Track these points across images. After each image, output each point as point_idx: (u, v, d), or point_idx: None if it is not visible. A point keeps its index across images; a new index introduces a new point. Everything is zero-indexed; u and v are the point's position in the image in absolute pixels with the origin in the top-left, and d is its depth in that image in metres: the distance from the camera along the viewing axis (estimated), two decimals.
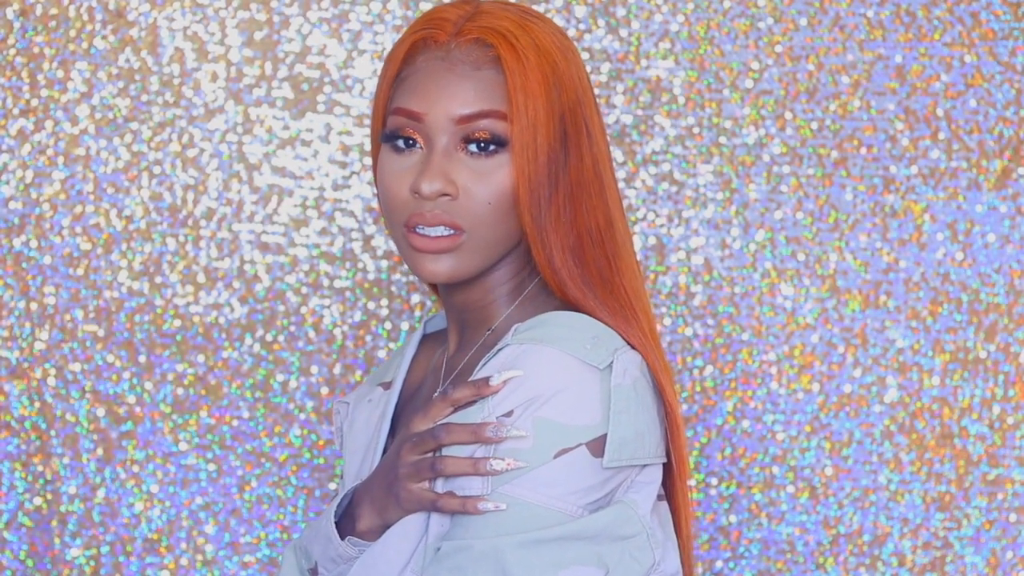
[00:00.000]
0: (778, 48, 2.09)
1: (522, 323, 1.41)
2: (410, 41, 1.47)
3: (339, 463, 2.11)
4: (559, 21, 2.08)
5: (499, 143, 1.42)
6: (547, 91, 1.42)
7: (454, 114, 1.42)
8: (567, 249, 1.43)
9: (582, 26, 2.08)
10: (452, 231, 1.42)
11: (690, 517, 1.52)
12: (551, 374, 1.35)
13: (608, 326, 1.42)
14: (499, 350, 1.39)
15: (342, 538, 1.43)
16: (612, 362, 1.38)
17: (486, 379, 1.36)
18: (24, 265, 2.09)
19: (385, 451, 1.58)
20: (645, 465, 1.40)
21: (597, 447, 1.36)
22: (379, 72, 2.07)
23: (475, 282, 1.49)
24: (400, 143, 1.45)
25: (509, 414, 1.35)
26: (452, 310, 1.53)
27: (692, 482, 2.05)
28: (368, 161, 2.09)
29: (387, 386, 1.62)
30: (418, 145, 1.44)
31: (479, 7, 1.47)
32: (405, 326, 2.11)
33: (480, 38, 1.43)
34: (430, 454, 1.38)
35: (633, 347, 1.42)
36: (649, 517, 1.39)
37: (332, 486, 2.11)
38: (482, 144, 1.42)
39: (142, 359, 2.10)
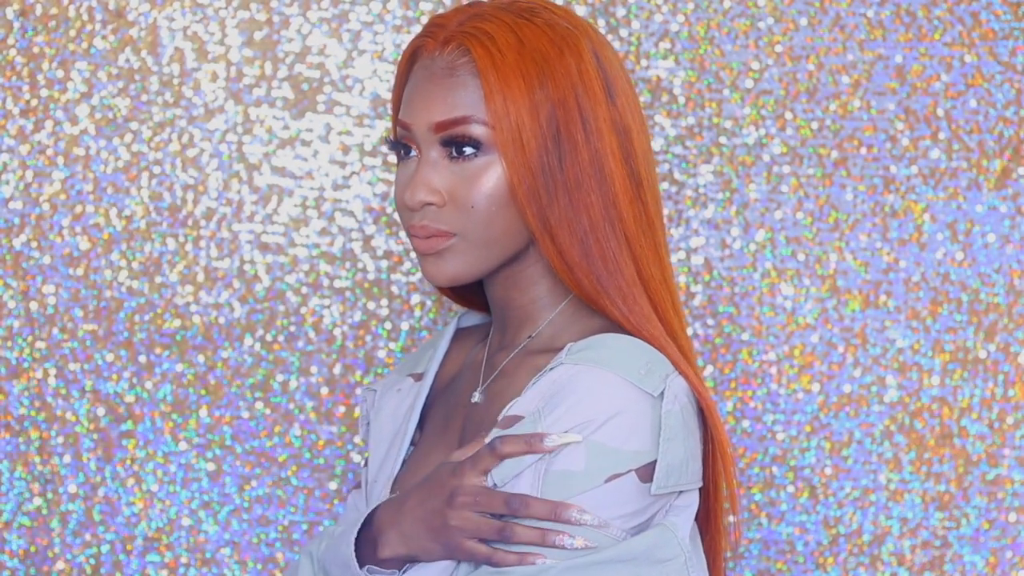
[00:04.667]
0: (778, 48, 2.09)
1: (575, 342, 1.41)
2: (410, 51, 1.49)
3: (339, 463, 2.11)
4: None
5: (478, 146, 1.42)
6: (529, 89, 1.41)
7: (432, 122, 1.43)
8: (576, 245, 1.43)
9: None
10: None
11: (723, 536, 1.52)
12: (607, 398, 1.35)
13: (632, 329, 1.43)
14: (551, 368, 1.39)
15: (361, 566, 1.42)
16: (664, 389, 1.38)
17: (541, 436, 1.35)
18: (24, 265, 2.09)
19: (412, 443, 1.58)
20: (683, 490, 1.41)
21: (646, 473, 1.36)
22: (383, 74, 2.08)
23: (503, 279, 1.49)
24: (402, 152, 1.47)
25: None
26: (494, 307, 1.53)
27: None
28: (368, 161, 2.10)
29: (418, 377, 1.62)
30: (415, 154, 1.46)
31: (476, 11, 1.46)
32: (405, 326, 2.11)
33: (461, 44, 1.44)
34: (495, 518, 1.36)
35: (678, 369, 1.42)
36: (688, 541, 1.39)
37: (332, 486, 2.11)
38: (461, 148, 1.43)
39: (142, 359, 2.10)
